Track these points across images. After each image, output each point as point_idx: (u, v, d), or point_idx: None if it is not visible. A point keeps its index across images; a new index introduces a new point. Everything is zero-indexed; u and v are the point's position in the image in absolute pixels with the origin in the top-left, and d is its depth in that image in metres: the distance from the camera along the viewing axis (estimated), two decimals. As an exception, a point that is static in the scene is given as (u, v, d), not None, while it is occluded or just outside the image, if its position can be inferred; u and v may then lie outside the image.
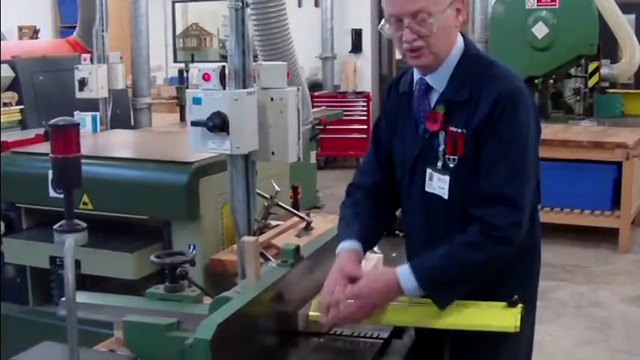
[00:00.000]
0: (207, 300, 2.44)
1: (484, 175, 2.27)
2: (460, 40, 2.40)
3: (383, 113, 2.60)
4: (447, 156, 2.33)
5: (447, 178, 2.33)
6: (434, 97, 2.38)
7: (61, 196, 2.09)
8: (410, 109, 2.44)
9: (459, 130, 2.30)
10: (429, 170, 2.38)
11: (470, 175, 2.30)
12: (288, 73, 2.98)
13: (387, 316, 2.33)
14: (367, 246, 2.49)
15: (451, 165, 2.32)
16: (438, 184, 2.36)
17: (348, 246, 2.40)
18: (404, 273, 2.25)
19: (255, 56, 3.28)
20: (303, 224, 3.62)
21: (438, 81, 2.36)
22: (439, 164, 2.34)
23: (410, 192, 2.46)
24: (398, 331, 2.40)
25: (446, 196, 2.35)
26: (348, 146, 11.72)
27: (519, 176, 2.26)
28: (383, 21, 2.36)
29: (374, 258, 3.06)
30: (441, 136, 2.34)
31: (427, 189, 2.39)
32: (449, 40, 2.34)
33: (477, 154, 2.29)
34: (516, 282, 2.41)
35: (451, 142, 2.32)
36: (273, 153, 2.92)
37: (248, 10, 2.95)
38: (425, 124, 2.37)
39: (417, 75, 2.43)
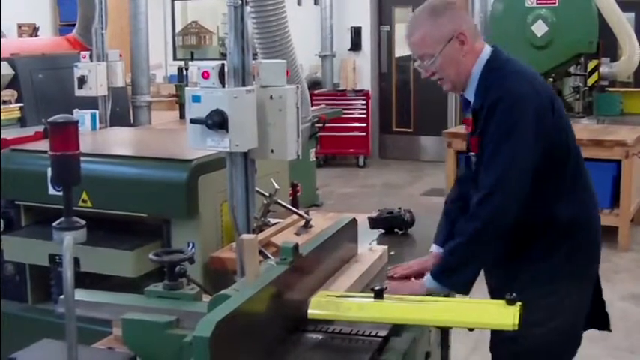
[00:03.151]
0: (206, 298, 2.45)
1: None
2: (483, 57, 2.84)
3: None
4: (471, 154, 2.91)
5: (474, 169, 2.89)
6: (471, 105, 2.90)
7: (60, 193, 2.09)
8: None
9: (477, 134, 2.82)
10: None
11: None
12: (287, 71, 2.98)
13: (385, 313, 2.34)
14: None
15: (474, 161, 2.89)
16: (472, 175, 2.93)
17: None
18: (427, 278, 2.80)
19: (255, 54, 3.28)
20: (302, 222, 3.62)
21: (470, 95, 2.88)
22: (470, 160, 2.94)
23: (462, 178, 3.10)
24: (397, 329, 2.40)
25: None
26: (347, 144, 11.73)
27: (494, 168, 2.72)
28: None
29: (379, 249, 3.09)
30: (471, 137, 2.89)
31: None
32: (460, 68, 2.83)
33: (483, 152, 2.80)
34: (558, 275, 2.84)
35: (474, 143, 2.85)
36: (272, 151, 2.92)
37: (247, 8, 2.95)
38: (465, 126, 2.99)
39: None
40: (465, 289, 2.76)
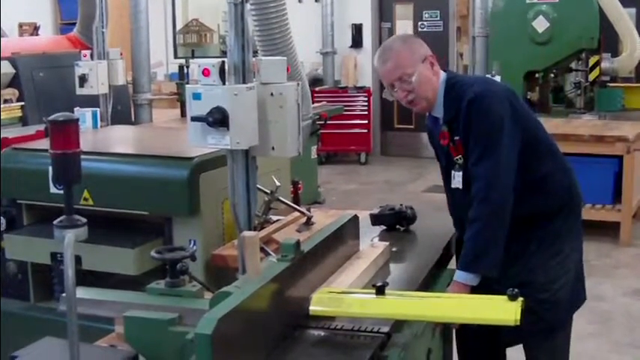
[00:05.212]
0: (208, 295, 2.45)
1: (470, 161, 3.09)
2: (442, 77, 3.20)
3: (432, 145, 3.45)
4: (455, 158, 3.17)
5: (460, 173, 3.17)
6: (441, 121, 3.22)
7: (62, 191, 2.09)
8: (434, 133, 3.34)
9: (459, 138, 3.13)
10: (452, 172, 3.22)
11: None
12: (287, 68, 2.98)
13: (387, 310, 2.34)
14: None
15: (460, 163, 3.16)
16: (457, 179, 3.20)
17: None
18: (457, 274, 3.02)
19: (255, 51, 3.28)
20: (304, 219, 3.62)
21: (439, 112, 3.22)
22: (455, 166, 3.19)
23: (450, 188, 3.28)
24: (398, 325, 2.40)
25: (461, 187, 3.17)
26: (348, 141, 11.72)
27: (489, 158, 3.01)
28: (385, 89, 3.24)
29: (381, 245, 3.09)
30: (451, 146, 3.18)
31: (452, 186, 3.24)
32: (431, 85, 3.16)
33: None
34: (563, 236, 3.22)
35: (455, 149, 3.16)
36: (273, 148, 2.92)
37: (247, 6, 2.95)
38: (441, 142, 3.23)
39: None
40: (495, 270, 2.99)
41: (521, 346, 3.34)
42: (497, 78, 7.54)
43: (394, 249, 3.22)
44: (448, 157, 3.23)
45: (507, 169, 3.03)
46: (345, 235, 2.90)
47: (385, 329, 2.34)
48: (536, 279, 3.14)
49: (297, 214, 3.66)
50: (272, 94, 2.88)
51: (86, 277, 3.51)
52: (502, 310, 2.24)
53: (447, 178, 3.30)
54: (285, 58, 3.09)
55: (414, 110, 3.28)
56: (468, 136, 3.08)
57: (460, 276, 3.00)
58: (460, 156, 3.15)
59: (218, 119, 2.75)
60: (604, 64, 9.10)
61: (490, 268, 3.00)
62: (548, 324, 3.20)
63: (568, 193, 3.28)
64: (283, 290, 2.27)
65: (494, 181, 3.01)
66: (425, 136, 11.82)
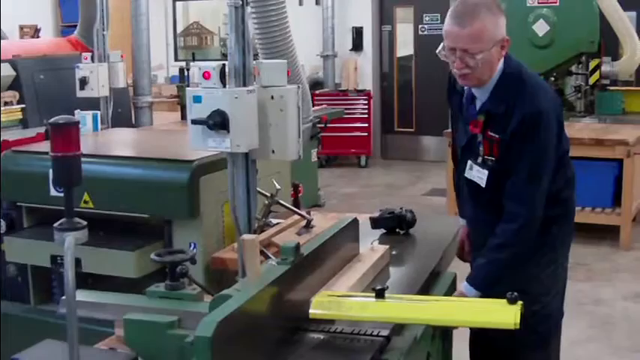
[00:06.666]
0: (208, 298, 2.45)
1: (512, 176, 2.91)
2: (501, 62, 2.92)
3: (450, 105, 3.25)
4: (485, 156, 2.99)
5: (485, 172, 3.00)
6: (478, 104, 3.00)
7: (62, 194, 2.10)
8: (463, 106, 3.10)
9: (497, 136, 2.92)
10: (469, 162, 3.06)
11: (503, 172, 2.94)
12: (288, 71, 2.98)
13: (387, 313, 2.34)
14: None
15: (489, 163, 2.98)
16: (477, 174, 3.04)
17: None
18: (467, 287, 2.92)
19: (256, 54, 3.28)
20: (304, 222, 3.62)
21: (482, 94, 2.97)
22: (479, 160, 3.01)
23: (461, 171, 3.16)
24: (398, 329, 2.40)
25: (483, 185, 3.02)
26: (349, 144, 11.72)
27: (534, 184, 2.90)
28: (441, 45, 2.89)
29: (380, 249, 3.09)
30: (480, 138, 2.98)
31: (466, 175, 3.09)
32: (491, 69, 2.89)
33: (508, 157, 2.91)
34: (557, 246, 3.16)
35: (488, 145, 2.96)
36: (273, 151, 2.92)
37: (248, 9, 2.96)
38: (470, 126, 3.00)
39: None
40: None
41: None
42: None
43: (394, 252, 3.22)
44: (471, 143, 3.04)
45: (544, 195, 2.95)
46: (344, 238, 2.90)
47: (385, 333, 2.34)
48: (530, 290, 3.03)
49: (297, 217, 3.66)
50: (272, 98, 2.89)
51: (86, 280, 3.52)
52: (501, 313, 2.24)
53: (460, 158, 3.19)
54: (285, 61, 3.10)
55: (459, 81, 2.99)
56: (511, 144, 2.89)
57: (470, 291, 2.92)
58: (494, 158, 2.96)
59: (218, 122, 2.76)
60: (604, 68, 9.10)
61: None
62: (541, 335, 3.17)
63: (566, 203, 3.21)
64: (283, 293, 2.27)
65: (534, 209, 2.94)
66: (425, 139, 11.78)
